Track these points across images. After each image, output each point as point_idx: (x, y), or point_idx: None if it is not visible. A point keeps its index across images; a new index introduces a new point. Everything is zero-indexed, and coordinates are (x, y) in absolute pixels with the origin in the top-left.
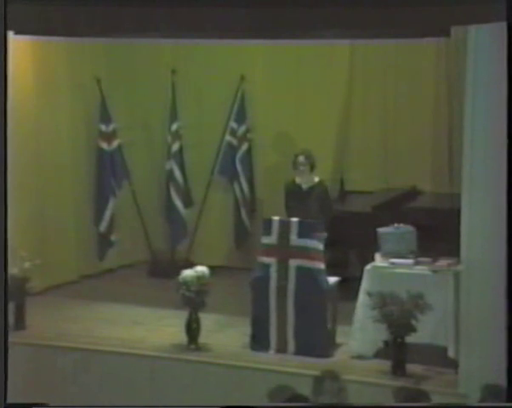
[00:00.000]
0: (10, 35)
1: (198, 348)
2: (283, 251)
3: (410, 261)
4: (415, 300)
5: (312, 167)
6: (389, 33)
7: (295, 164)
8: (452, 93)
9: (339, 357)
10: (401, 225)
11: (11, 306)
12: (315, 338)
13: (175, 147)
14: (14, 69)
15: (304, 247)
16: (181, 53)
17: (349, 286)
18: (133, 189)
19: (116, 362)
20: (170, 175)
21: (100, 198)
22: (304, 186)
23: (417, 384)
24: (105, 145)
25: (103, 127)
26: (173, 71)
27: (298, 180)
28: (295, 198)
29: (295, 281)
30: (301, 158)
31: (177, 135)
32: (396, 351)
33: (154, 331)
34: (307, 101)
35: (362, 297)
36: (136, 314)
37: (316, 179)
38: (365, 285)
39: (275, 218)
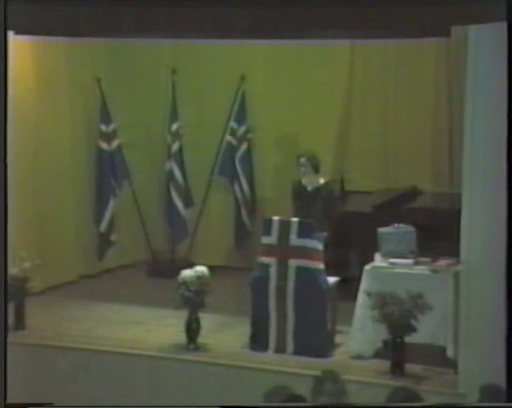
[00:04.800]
0: (10, 35)
1: (198, 348)
2: (283, 251)
3: (410, 261)
4: (415, 300)
5: (316, 169)
6: (389, 33)
7: (298, 165)
8: (452, 93)
9: (339, 357)
10: (401, 225)
11: (11, 306)
12: (315, 338)
13: (175, 147)
14: (14, 69)
15: (304, 247)
16: (181, 53)
17: (349, 286)
18: (133, 189)
19: (116, 362)
20: (170, 175)
21: (100, 198)
22: (309, 187)
23: (416, 384)
24: (105, 145)
25: (103, 127)
26: (173, 71)
27: (303, 181)
28: (300, 198)
29: (295, 281)
30: (302, 159)
31: (177, 135)
32: (396, 351)
33: (154, 331)
34: (307, 101)
35: (362, 297)
36: (136, 314)
37: (322, 181)
38: (365, 285)
39: (275, 218)
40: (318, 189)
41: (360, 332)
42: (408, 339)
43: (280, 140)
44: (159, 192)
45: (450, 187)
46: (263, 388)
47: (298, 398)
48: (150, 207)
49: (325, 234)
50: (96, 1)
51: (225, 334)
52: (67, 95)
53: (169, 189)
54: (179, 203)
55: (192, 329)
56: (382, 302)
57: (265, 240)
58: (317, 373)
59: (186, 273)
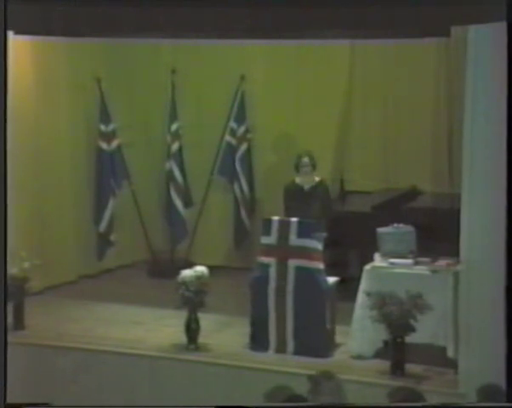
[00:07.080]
0: (10, 35)
1: (197, 348)
2: (282, 251)
3: (409, 261)
4: (414, 300)
5: (314, 168)
6: (389, 33)
7: (298, 165)
8: (452, 93)
9: (339, 357)
10: (401, 225)
11: (10, 306)
12: (315, 338)
13: (175, 147)
14: (14, 69)
15: (304, 247)
16: (181, 53)
17: (349, 286)
18: (132, 189)
19: (116, 362)
20: (170, 175)
21: (100, 198)
22: (306, 186)
23: (416, 384)
24: (104, 145)
25: (103, 127)
26: (173, 71)
27: (298, 181)
28: (296, 198)
29: (294, 281)
30: (305, 159)
31: (177, 135)
32: (396, 351)
33: (153, 331)
34: (307, 101)
35: (362, 297)
36: (136, 314)
37: (317, 179)
38: (364, 285)
39: (275, 218)
40: (315, 188)
41: (360, 332)
42: (408, 339)
43: (280, 140)
44: (159, 192)
45: (449, 187)
46: (263, 388)
47: (298, 398)
48: (149, 207)
49: (324, 234)
50: (96, 1)
51: (225, 334)
52: (67, 95)
53: (169, 189)
54: (178, 203)
55: (192, 329)
56: (381, 302)
57: (265, 240)
58: (313, 373)
59: (186, 273)
